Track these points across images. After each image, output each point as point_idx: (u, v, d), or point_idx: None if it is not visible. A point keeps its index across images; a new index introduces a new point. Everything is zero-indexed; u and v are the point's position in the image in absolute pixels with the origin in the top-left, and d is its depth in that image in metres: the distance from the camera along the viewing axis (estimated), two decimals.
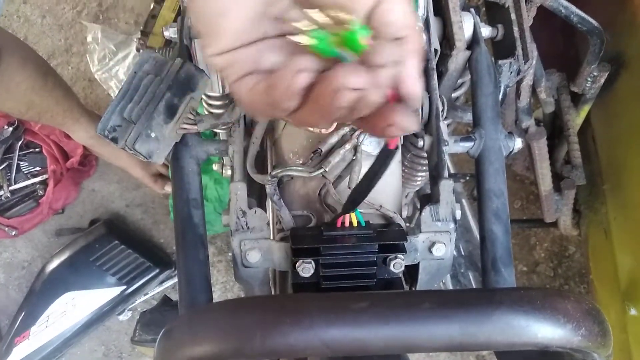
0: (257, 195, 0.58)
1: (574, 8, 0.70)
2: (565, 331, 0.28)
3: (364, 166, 0.47)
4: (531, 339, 0.28)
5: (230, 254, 1.37)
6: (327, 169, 0.46)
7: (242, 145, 0.51)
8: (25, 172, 1.33)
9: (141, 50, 1.32)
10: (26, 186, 1.32)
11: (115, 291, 1.23)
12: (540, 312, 0.27)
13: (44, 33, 1.50)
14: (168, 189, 1.30)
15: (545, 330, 0.28)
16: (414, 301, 0.27)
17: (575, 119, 0.88)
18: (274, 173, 0.47)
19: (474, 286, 1.05)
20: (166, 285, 1.33)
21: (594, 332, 0.28)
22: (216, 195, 1.29)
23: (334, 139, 0.47)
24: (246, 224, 0.47)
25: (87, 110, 1.17)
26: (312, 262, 0.45)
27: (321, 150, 0.47)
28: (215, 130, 0.53)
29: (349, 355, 0.32)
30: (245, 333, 0.26)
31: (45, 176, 1.31)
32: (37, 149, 1.33)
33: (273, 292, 0.55)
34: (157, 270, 1.27)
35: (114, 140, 0.49)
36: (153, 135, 0.48)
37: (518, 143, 0.55)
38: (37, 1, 1.52)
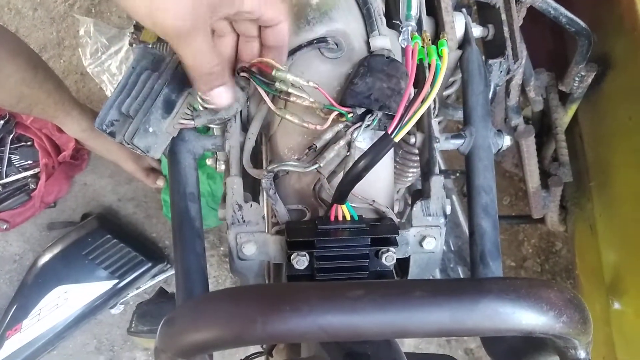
0: (251, 190, 0.59)
1: (563, 9, 0.72)
2: (547, 318, 0.29)
3: None
4: (516, 325, 0.29)
5: (222, 248, 1.38)
6: (321, 165, 0.47)
7: (238, 141, 0.52)
8: (16, 165, 1.32)
9: (134, 45, 1.31)
10: (18, 180, 1.31)
11: (107, 285, 1.24)
12: (524, 300, 0.29)
13: (35, 26, 1.49)
14: (160, 183, 1.31)
15: (529, 317, 0.29)
16: (406, 289, 0.29)
17: (563, 118, 0.90)
18: (270, 168, 0.48)
19: None
20: (158, 279, 1.34)
21: (574, 319, 0.30)
22: (209, 189, 1.29)
23: (328, 135, 0.48)
24: (242, 217, 0.48)
25: (79, 103, 1.17)
26: (307, 254, 0.46)
27: (316, 146, 0.48)
28: (208, 125, 0.54)
29: (346, 340, 0.33)
30: (247, 319, 0.28)
31: (37, 170, 1.31)
32: (28, 143, 1.32)
33: None
34: (150, 264, 1.28)
35: (112, 134, 0.50)
36: (151, 130, 0.49)
37: (507, 141, 0.57)
38: None
